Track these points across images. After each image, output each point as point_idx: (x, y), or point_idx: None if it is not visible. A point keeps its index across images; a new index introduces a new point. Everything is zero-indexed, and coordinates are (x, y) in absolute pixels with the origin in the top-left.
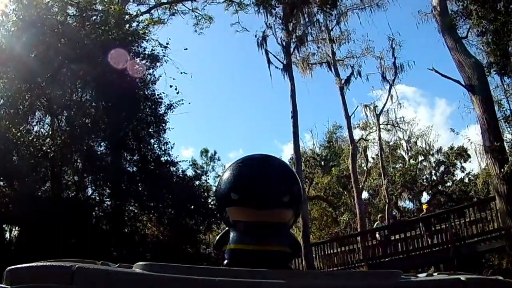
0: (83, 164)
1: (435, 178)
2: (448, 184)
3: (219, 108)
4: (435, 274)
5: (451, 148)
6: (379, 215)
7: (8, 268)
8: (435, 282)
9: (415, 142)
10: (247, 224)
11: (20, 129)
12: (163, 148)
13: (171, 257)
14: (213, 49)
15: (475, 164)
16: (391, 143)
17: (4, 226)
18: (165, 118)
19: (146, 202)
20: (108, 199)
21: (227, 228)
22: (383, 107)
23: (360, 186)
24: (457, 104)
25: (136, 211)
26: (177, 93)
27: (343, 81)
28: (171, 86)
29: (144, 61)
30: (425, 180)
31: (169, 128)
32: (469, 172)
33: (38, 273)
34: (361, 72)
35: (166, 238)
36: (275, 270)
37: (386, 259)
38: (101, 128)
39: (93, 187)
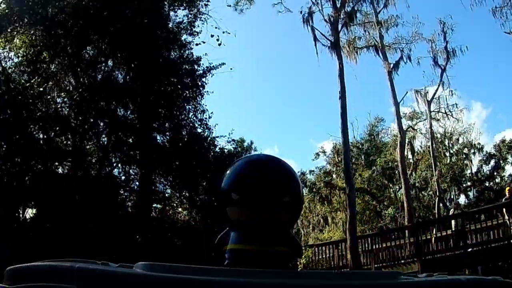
0: (108, 133)
1: (484, 173)
2: (497, 180)
3: (255, 99)
4: (435, 274)
5: (503, 141)
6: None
7: (8, 267)
8: (435, 282)
9: (457, 139)
10: (247, 224)
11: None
12: (199, 117)
13: (202, 245)
14: (253, 33)
15: None
16: (439, 134)
17: (20, 206)
18: (204, 80)
19: (177, 182)
20: (135, 177)
21: (227, 228)
22: (434, 94)
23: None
24: (492, 108)
25: (166, 191)
26: (219, 44)
27: (391, 65)
28: (212, 36)
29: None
30: (474, 175)
31: (207, 92)
32: None
33: (39, 273)
34: (411, 56)
35: (198, 224)
36: (275, 270)
37: (447, 254)
38: (128, 91)
39: (118, 163)
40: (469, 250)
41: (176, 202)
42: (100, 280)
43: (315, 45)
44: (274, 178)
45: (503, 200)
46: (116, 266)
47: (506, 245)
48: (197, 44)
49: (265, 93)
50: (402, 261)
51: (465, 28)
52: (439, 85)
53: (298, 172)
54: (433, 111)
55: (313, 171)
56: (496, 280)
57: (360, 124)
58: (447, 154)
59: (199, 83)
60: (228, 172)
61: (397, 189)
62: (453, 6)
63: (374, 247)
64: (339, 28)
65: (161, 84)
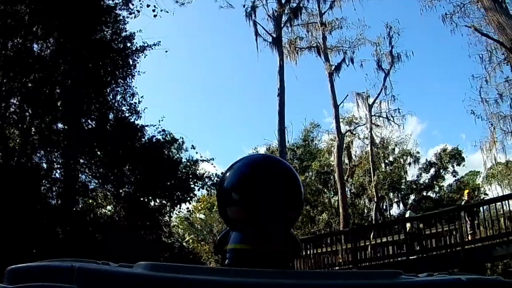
0: (30, 117)
1: (423, 182)
2: (436, 189)
3: (189, 92)
4: (435, 274)
5: (445, 150)
6: (410, 203)
7: (8, 267)
8: (436, 282)
9: (393, 149)
10: (247, 224)
11: None
12: (128, 101)
13: (126, 243)
14: (194, 26)
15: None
16: (378, 140)
17: None
18: (136, 58)
19: (102, 172)
20: (58, 167)
21: (228, 227)
22: (376, 97)
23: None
24: (426, 124)
25: (90, 183)
26: (155, 16)
27: (333, 67)
28: (148, 6)
29: None
30: (412, 183)
31: (138, 72)
32: (459, 179)
33: (39, 273)
34: (354, 59)
35: (123, 220)
36: (275, 270)
37: (381, 262)
38: (52, 67)
39: (40, 151)
40: (413, 257)
41: (101, 195)
42: (100, 280)
43: (256, 39)
44: (274, 178)
45: (463, 203)
46: (116, 266)
47: (455, 252)
48: (130, 14)
49: (200, 88)
50: (337, 268)
51: (413, 36)
52: (381, 90)
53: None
54: (374, 115)
55: None
56: (498, 280)
57: (295, 128)
58: (386, 161)
59: (131, 62)
60: (228, 172)
61: (332, 195)
62: (404, 11)
63: (308, 252)
64: (282, 24)
65: (90, 61)
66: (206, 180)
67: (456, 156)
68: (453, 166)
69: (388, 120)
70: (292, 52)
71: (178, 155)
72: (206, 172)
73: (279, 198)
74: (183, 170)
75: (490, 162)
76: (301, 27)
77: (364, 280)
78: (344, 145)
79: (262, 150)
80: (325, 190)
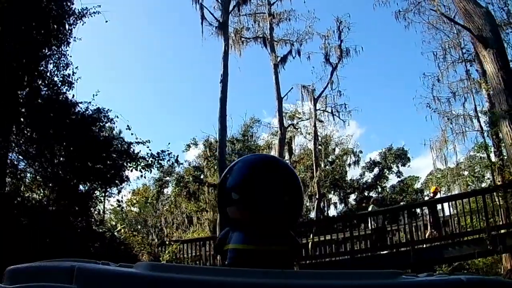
0: None
1: (366, 181)
2: (378, 189)
3: (130, 76)
4: (435, 274)
5: (390, 149)
6: (373, 197)
7: (8, 267)
8: (436, 282)
9: (333, 149)
10: (247, 224)
11: None
12: (62, 72)
13: (54, 229)
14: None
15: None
16: (321, 136)
17: None
18: (73, 22)
19: (30, 150)
20: None
21: (227, 227)
22: (322, 92)
23: None
24: (365, 128)
25: (19, 162)
26: None
27: (278, 59)
28: None
29: None
30: (355, 182)
31: (75, 38)
32: (403, 180)
33: (38, 273)
34: (301, 51)
35: (52, 204)
36: (276, 270)
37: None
38: None
39: None
40: (358, 255)
41: (29, 176)
42: (100, 280)
43: (202, 23)
44: (274, 178)
45: (427, 198)
46: (116, 266)
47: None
48: None
49: (140, 69)
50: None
51: (364, 32)
52: (328, 84)
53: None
54: (319, 109)
55: (182, 163)
56: (498, 280)
57: (235, 123)
58: (327, 159)
59: (67, 27)
60: (227, 172)
61: None
62: (357, 6)
63: None
64: (230, 9)
65: (24, 28)
66: (140, 160)
67: (402, 156)
68: (397, 167)
69: (333, 115)
70: (237, 42)
71: (111, 135)
72: (140, 151)
73: (279, 198)
74: (116, 150)
75: (440, 162)
76: (248, 17)
77: (364, 280)
78: (287, 139)
79: (200, 142)
80: None
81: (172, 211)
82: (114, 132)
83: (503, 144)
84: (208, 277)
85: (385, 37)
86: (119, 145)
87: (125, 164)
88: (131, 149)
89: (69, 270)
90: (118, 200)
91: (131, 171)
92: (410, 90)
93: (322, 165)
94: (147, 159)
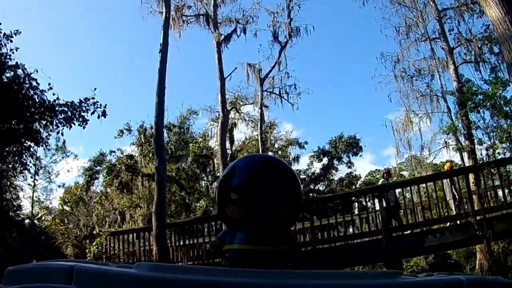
0: None
1: (313, 171)
2: (325, 182)
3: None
4: (435, 274)
5: (341, 137)
6: (384, 168)
7: (8, 268)
8: (435, 282)
9: (273, 143)
10: (247, 224)
11: None
12: None
13: None
14: None
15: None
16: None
17: None
18: None
19: None
20: None
21: (227, 227)
22: (270, 71)
23: None
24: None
25: None
26: None
27: (222, 37)
28: None
29: None
30: (301, 172)
31: None
32: (350, 172)
33: (38, 273)
34: (247, 29)
35: None
36: (275, 270)
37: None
38: None
39: None
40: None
41: None
42: (99, 280)
43: None
44: (273, 178)
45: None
46: (115, 266)
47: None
48: None
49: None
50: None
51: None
52: (275, 63)
53: (98, 152)
54: (266, 90)
55: (114, 151)
56: (498, 280)
57: (172, 114)
58: (272, 148)
59: None
60: (227, 172)
61: (212, 180)
62: None
63: (186, 242)
64: None
65: None
66: (58, 111)
67: (353, 145)
68: (348, 157)
69: (281, 97)
70: (177, 20)
71: (31, 94)
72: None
73: (278, 198)
74: (25, 97)
75: (404, 147)
76: None
77: (364, 280)
78: (230, 125)
79: (134, 128)
80: (203, 175)
81: (103, 203)
82: (34, 93)
83: (474, 126)
84: (207, 277)
85: (341, 15)
86: (28, 93)
87: (36, 117)
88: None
89: (69, 270)
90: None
91: (46, 125)
92: (369, 71)
93: (270, 151)
94: (67, 110)
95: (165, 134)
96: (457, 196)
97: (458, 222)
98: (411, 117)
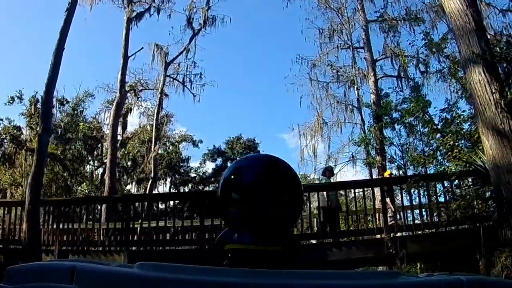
0: None
1: (205, 171)
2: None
3: None
4: (435, 274)
5: (239, 138)
6: (325, 167)
7: (8, 267)
8: (435, 282)
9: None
10: (247, 224)
11: None
12: None
13: None
14: None
15: None
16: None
17: None
18: None
19: None
20: None
21: (227, 227)
22: (177, 56)
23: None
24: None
25: None
26: None
27: (134, 14)
28: None
29: None
30: (192, 170)
31: None
32: None
33: (39, 273)
34: (161, 9)
35: None
36: (275, 270)
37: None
38: None
39: None
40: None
41: None
42: (100, 280)
43: None
44: (273, 178)
45: None
46: (116, 266)
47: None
48: None
49: None
50: (101, 248)
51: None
52: (184, 49)
53: None
54: (169, 75)
55: (1, 119)
56: (498, 280)
57: (68, 94)
58: (166, 141)
59: None
60: (227, 172)
61: (98, 165)
62: None
63: (64, 226)
64: None
65: None
66: None
67: (251, 148)
68: None
69: (183, 85)
70: None
71: None
72: None
73: (278, 198)
74: None
75: (308, 154)
76: None
77: (364, 280)
78: (124, 108)
79: (26, 97)
80: (90, 159)
81: None
82: None
83: (388, 142)
84: (208, 277)
85: (264, 11)
86: None
87: None
88: None
89: (69, 270)
90: None
91: None
92: (284, 72)
93: (162, 144)
94: None
95: (56, 109)
96: (392, 209)
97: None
98: (321, 124)
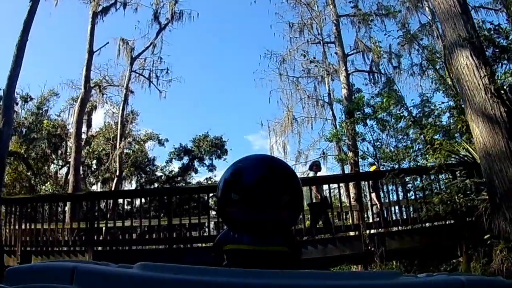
0: None
1: (171, 169)
2: (182, 184)
3: None
4: (435, 274)
5: (206, 136)
6: (312, 161)
7: (9, 268)
8: (435, 282)
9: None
10: (246, 225)
11: None
12: None
13: None
14: None
15: None
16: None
17: None
18: None
19: None
20: None
21: (227, 228)
22: (143, 51)
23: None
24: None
25: None
26: None
27: (100, 8)
28: None
29: None
30: (158, 169)
31: None
32: (211, 178)
33: (39, 273)
34: (127, 3)
35: None
36: (275, 270)
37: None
38: None
39: None
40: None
41: None
42: (100, 280)
43: None
44: (273, 178)
45: None
46: (116, 267)
47: None
48: None
49: None
50: (65, 249)
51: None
52: (150, 44)
53: None
54: (135, 71)
55: None
56: (498, 280)
57: (32, 92)
58: (130, 139)
59: None
60: (227, 173)
61: (62, 164)
62: None
63: (26, 226)
64: None
65: None
66: None
67: (218, 146)
68: (211, 159)
69: (149, 81)
70: None
71: None
72: None
73: (278, 198)
74: None
75: (278, 151)
76: None
77: (364, 281)
78: (87, 108)
79: None
80: (54, 157)
81: None
82: None
83: (361, 138)
84: (207, 277)
85: (231, 5)
86: None
87: None
88: None
89: (69, 270)
90: None
91: None
92: (253, 66)
93: (127, 143)
94: None
95: (20, 106)
96: (378, 205)
97: (351, 234)
98: (291, 119)
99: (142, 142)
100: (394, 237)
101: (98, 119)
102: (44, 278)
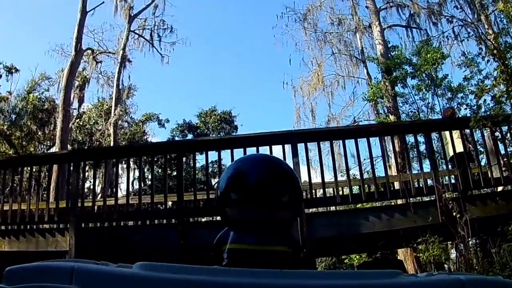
0: None
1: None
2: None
3: None
4: (435, 274)
5: (213, 110)
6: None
7: (8, 268)
8: (435, 282)
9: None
10: (246, 224)
11: None
12: None
13: None
14: None
15: None
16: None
17: None
18: None
19: None
20: None
21: (226, 227)
22: (143, 10)
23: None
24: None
25: None
26: None
27: None
28: None
29: None
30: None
31: None
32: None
33: (38, 273)
34: None
35: None
36: (275, 270)
37: None
38: None
39: None
40: None
41: None
42: (99, 280)
43: None
44: (273, 178)
45: None
46: (115, 266)
47: None
48: None
49: None
50: (41, 227)
51: None
52: (152, 1)
53: None
54: (134, 31)
55: None
56: (498, 280)
57: (21, 77)
58: (128, 118)
59: None
60: (227, 172)
61: (51, 145)
62: None
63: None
64: None
65: None
66: None
67: (227, 121)
68: (219, 137)
69: (151, 44)
70: None
71: None
72: None
73: (278, 198)
74: None
75: (305, 116)
76: None
77: (364, 280)
78: (79, 82)
79: None
80: (40, 135)
81: None
82: None
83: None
84: (207, 277)
85: None
86: None
87: None
88: None
89: (69, 270)
90: None
91: None
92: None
93: (124, 121)
94: None
95: (4, 78)
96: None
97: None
98: (322, 76)
99: (140, 123)
100: (475, 202)
101: (92, 96)
102: (44, 278)
